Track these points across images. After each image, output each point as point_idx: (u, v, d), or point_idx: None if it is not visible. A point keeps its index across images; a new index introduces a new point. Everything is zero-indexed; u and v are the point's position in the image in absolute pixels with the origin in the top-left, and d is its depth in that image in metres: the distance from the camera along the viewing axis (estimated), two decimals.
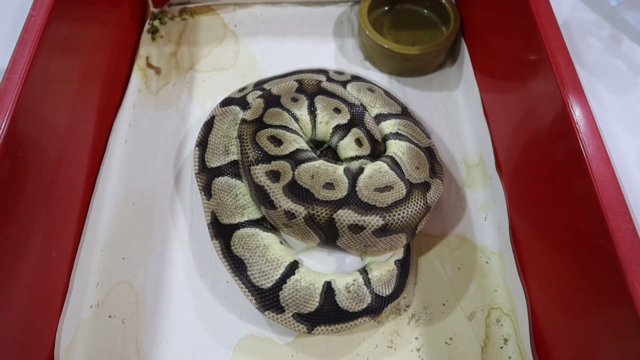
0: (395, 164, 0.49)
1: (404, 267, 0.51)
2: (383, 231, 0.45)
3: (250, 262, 0.48)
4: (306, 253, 0.50)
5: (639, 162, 0.58)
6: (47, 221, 0.49)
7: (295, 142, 0.50)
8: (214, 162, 0.53)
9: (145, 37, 0.73)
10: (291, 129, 0.52)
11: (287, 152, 0.49)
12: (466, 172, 0.62)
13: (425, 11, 0.74)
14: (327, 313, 0.47)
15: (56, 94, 0.51)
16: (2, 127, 0.42)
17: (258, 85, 0.60)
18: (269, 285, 0.47)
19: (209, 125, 0.56)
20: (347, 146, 0.53)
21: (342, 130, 0.53)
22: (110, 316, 0.52)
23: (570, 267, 0.44)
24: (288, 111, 0.53)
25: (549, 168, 0.48)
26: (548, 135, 0.48)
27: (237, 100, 0.57)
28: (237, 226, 0.50)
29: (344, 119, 0.53)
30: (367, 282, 0.48)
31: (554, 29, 0.48)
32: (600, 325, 0.40)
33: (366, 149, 0.52)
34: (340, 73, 0.61)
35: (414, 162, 0.50)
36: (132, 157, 0.62)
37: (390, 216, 0.45)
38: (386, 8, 0.74)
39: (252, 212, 0.50)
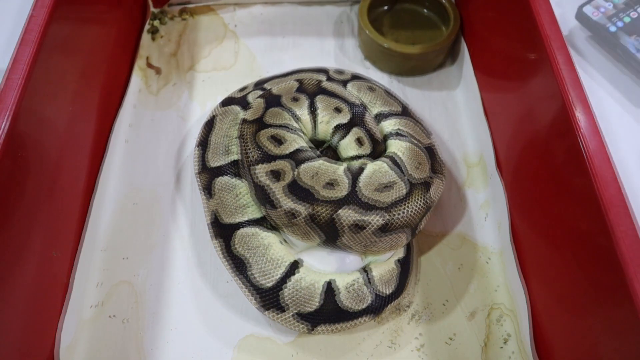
0: (395, 163, 0.49)
1: (405, 267, 0.51)
2: (384, 230, 0.45)
3: (251, 262, 0.48)
4: (307, 253, 0.50)
5: (638, 161, 0.58)
6: (47, 221, 0.49)
7: (296, 142, 0.50)
8: (214, 161, 0.53)
9: (146, 37, 0.73)
10: (292, 128, 0.52)
11: (288, 151, 0.49)
12: (466, 171, 0.62)
13: (425, 11, 0.74)
14: (328, 313, 0.47)
15: (57, 94, 0.51)
16: (3, 127, 0.42)
17: (258, 84, 0.60)
18: (270, 285, 0.47)
19: (209, 125, 0.56)
20: (348, 146, 0.53)
21: (343, 129, 0.53)
22: (110, 316, 0.52)
23: (570, 266, 0.44)
24: (289, 111, 0.53)
25: (549, 167, 0.48)
26: (548, 134, 0.48)
27: (238, 100, 0.57)
28: (238, 226, 0.50)
29: (344, 118, 0.53)
30: (368, 281, 0.48)
31: (554, 28, 0.48)
32: (600, 323, 0.40)
33: (367, 149, 0.52)
34: (340, 72, 0.61)
35: (414, 161, 0.50)
36: (133, 157, 0.62)
37: (391, 215, 0.45)
38: (386, 8, 0.74)
39: (253, 212, 0.50)
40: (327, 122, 0.53)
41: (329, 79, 0.59)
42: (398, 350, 0.50)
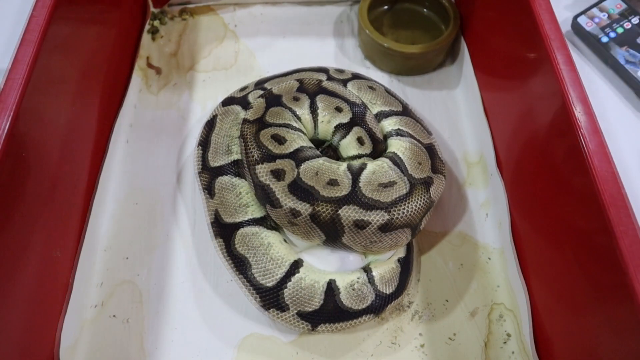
0: (396, 163, 0.50)
1: (406, 266, 0.51)
2: (385, 229, 0.45)
3: (252, 261, 0.48)
4: (309, 252, 0.50)
5: (638, 160, 0.58)
6: (48, 221, 0.49)
7: (298, 140, 0.50)
8: (216, 161, 0.53)
9: (146, 37, 0.73)
10: (293, 127, 0.52)
11: (290, 150, 0.49)
12: (467, 170, 0.62)
13: (425, 10, 0.74)
14: (330, 311, 0.47)
15: (57, 94, 0.51)
16: (5, 127, 0.42)
17: (259, 84, 0.61)
18: (272, 284, 0.47)
19: (210, 125, 0.56)
20: (349, 145, 0.53)
21: (344, 129, 0.53)
22: (113, 316, 0.52)
23: (570, 265, 0.44)
24: (289, 110, 0.53)
25: (550, 165, 0.48)
26: (548, 132, 0.48)
27: (239, 100, 0.58)
28: (240, 225, 0.50)
29: (345, 117, 0.53)
30: (370, 280, 0.48)
31: (554, 26, 0.48)
32: (601, 321, 0.40)
33: (368, 148, 0.52)
34: (340, 71, 0.61)
35: (415, 159, 0.50)
36: (134, 157, 0.62)
37: (391, 214, 0.45)
38: (386, 7, 0.74)
39: (254, 211, 0.51)
40: (327, 121, 0.54)
41: (330, 78, 0.59)
42: (399, 349, 0.50)
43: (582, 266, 0.43)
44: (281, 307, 0.47)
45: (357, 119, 0.53)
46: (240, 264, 0.49)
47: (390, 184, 0.47)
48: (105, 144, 0.62)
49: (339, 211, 0.45)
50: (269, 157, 0.48)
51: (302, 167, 0.47)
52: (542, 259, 0.50)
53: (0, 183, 0.41)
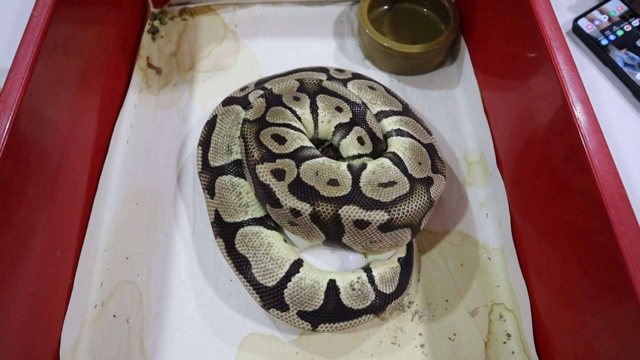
0: (397, 161, 0.50)
1: (407, 265, 0.51)
2: (386, 228, 0.45)
3: (254, 261, 0.48)
4: (310, 251, 0.50)
5: (638, 159, 0.58)
6: (50, 221, 0.49)
7: (298, 140, 0.50)
8: (216, 161, 0.53)
9: (146, 37, 0.73)
10: (294, 127, 0.52)
11: (290, 150, 0.49)
12: (467, 169, 0.62)
13: (425, 10, 0.74)
14: (331, 311, 0.47)
15: (58, 94, 0.51)
16: (6, 127, 0.42)
17: (259, 84, 0.61)
18: (273, 283, 0.47)
19: (211, 125, 0.56)
20: (349, 145, 0.53)
21: (344, 128, 0.53)
22: (114, 316, 0.52)
23: (571, 264, 0.44)
24: (290, 110, 0.53)
25: (550, 164, 0.48)
26: (549, 132, 0.48)
27: (239, 100, 0.58)
28: (241, 224, 0.50)
29: (345, 117, 0.53)
30: (370, 280, 0.48)
31: (554, 27, 0.48)
32: (602, 320, 0.40)
33: (368, 147, 0.52)
34: (341, 71, 0.61)
35: (416, 158, 0.50)
36: (134, 157, 0.62)
37: (395, 210, 0.45)
38: (386, 7, 0.74)
39: (256, 210, 0.51)
40: (328, 121, 0.54)
41: (330, 78, 0.59)
42: (400, 348, 0.50)
43: (583, 266, 0.43)
44: (281, 307, 0.47)
45: (358, 118, 0.53)
46: (242, 264, 0.49)
47: (391, 184, 0.47)
48: (105, 144, 0.62)
49: (339, 211, 0.45)
50: (270, 157, 0.48)
51: (302, 167, 0.47)
52: (542, 259, 0.50)
53: (0, 183, 0.41)
